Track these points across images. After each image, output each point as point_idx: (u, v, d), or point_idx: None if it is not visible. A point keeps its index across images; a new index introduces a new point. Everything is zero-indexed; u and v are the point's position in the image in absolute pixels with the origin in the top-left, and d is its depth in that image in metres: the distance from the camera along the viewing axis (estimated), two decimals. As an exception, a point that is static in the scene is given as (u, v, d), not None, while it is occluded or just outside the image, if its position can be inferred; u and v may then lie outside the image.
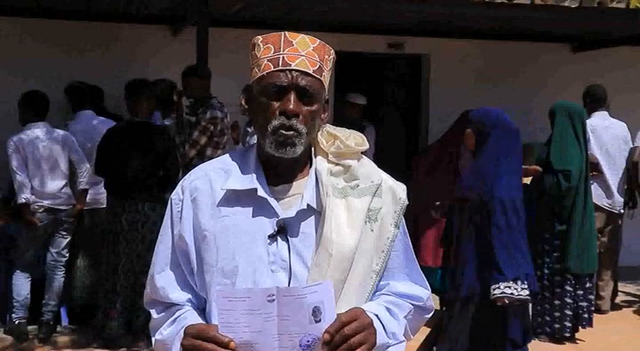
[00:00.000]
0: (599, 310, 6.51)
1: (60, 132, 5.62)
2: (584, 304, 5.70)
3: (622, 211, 6.67)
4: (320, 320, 1.51)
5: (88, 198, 5.78)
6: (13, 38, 6.80)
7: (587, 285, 5.74)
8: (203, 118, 5.54)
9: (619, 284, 7.03)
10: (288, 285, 1.62)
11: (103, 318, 5.40)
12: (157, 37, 7.19)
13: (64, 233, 5.67)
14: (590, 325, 5.72)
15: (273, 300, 1.50)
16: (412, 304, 1.77)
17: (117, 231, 5.34)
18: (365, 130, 6.80)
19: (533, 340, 5.71)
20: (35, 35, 6.87)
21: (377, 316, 1.65)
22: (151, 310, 1.80)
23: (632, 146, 6.58)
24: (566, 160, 5.56)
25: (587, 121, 5.93)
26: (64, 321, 5.88)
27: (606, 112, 6.60)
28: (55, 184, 5.53)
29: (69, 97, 6.21)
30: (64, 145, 5.57)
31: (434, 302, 1.88)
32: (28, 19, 6.85)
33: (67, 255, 5.72)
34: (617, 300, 6.98)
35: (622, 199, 6.61)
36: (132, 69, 6.52)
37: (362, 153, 1.76)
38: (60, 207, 5.56)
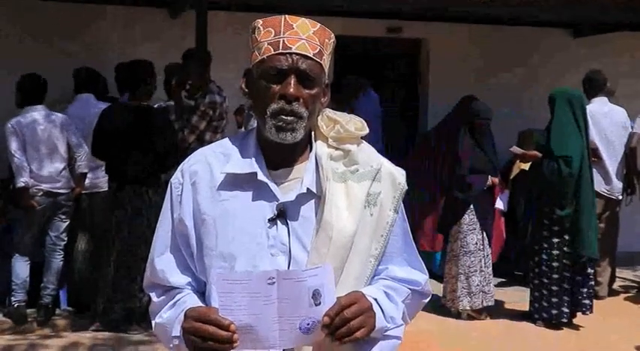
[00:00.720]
0: (596, 296, 6.52)
1: (58, 115, 5.61)
2: (584, 289, 5.72)
3: (620, 197, 6.68)
4: (320, 303, 1.52)
5: (86, 182, 5.78)
6: (13, 35, 6.76)
7: (588, 270, 5.76)
8: (202, 103, 5.52)
9: (616, 270, 7.06)
10: (288, 268, 1.63)
11: (106, 302, 5.40)
12: (156, 20, 7.17)
13: (63, 217, 5.67)
14: (591, 311, 5.75)
15: (273, 283, 1.50)
16: (410, 289, 1.77)
17: (121, 216, 5.34)
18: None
19: (530, 326, 5.79)
20: (32, 17, 6.85)
21: (376, 300, 1.66)
22: (150, 294, 1.81)
23: (631, 132, 6.58)
24: (567, 147, 5.56)
25: (587, 106, 5.93)
26: (63, 304, 5.90)
27: (605, 98, 6.59)
28: (54, 167, 5.52)
29: (75, 80, 6.17)
30: (63, 128, 5.56)
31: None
32: (25, 2, 6.83)
33: (66, 238, 5.73)
34: (615, 286, 7.00)
35: (620, 185, 6.62)
36: (131, 52, 6.50)
37: (362, 138, 1.77)
38: (59, 190, 5.55)
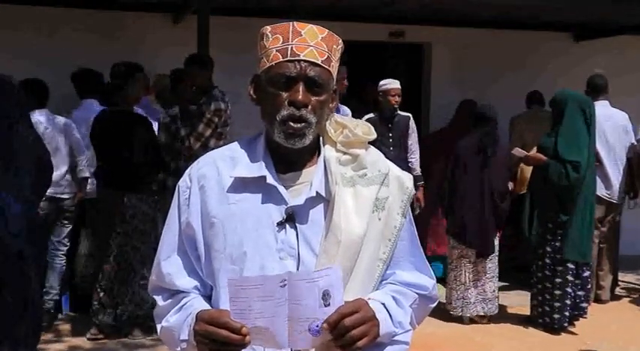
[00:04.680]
0: (599, 300, 6.53)
1: (61, 119, 5.62)
2: (581, 293, 5.73)
3: (621, 201, 6.65)
4: (329, 304, 1.53)
5: (88, 187, 5.77)
6: (15, 42, 6.77)
7: (585, 274, 5.76)
8: (207, 110, 5.48)
9: (619, 274, 7.05)
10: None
11: (99, 307, 5.37)
12: (158, 25, 7.18)
13: (66, 222, 5.67)
14: (585, 314, 5.76)
15: (285, 285, 1.52)
16: (418, 294, 1.77)
17: (106, 223, 5.31)
18: (409, 120, 6.57)
19: (533, 330, 5.78)
20: (36, 23, 6.86)
21: (384, 304, 1.66)
22: (156, 297, 1.81)
23: (633, 136, 6.58)
24: (577, 152, 5.54)
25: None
26: (65, 309, 5.90)
27: (607, 102, 6.58)
28: (58, 171, 5.49)
29: (75, 84, 6.16)
30: (65, 132, 5.55)
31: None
32: (26, 6, 6.83)
33: (69, 244, 5.73)
34: (617, 290, 7.00)
35: (620, 189, 6.59)
36: (132, 56, 6.49)
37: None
38: (62, 195, 5.55)
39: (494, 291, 5.88)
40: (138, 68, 5.52)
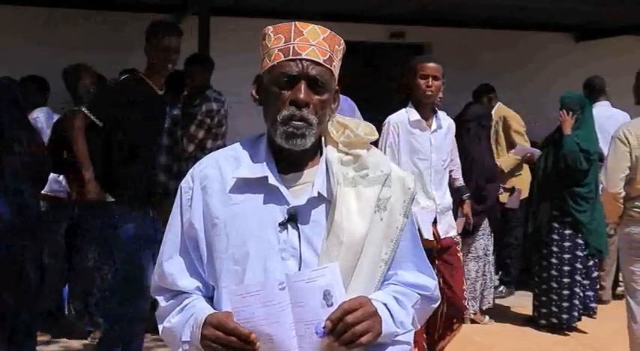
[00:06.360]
0: (600, 300, 6.52)
1: (57, 117, 5.63)
2: (590, 293, 5.75)
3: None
4: (332, 304, 1.53)
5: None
6: (17, 41, 6.76)
7: (594, 275, 5.78)
8: (199, 112, 5.48)
9: (620, 274, 7.05)
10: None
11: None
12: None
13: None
14: (594, 314, 5.80)
15: (284, 288, 1.52)
16: (419, 294, 1.77)
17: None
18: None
19: (533, 330, 5.78)
20: (36, 23, 6.86)
21: (386, 305, 1.66)
22: (158, 298, 1.81)
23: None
24: (591, 148, 5.58)
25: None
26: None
27: (608, 102, 6.61)
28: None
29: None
30: None
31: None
32: (25, 6, 6.83)
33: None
34: (618, 290, 6.99)
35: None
36: (132, 58, 6.47)
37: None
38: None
39: (480, 289, 5.87)
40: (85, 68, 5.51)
